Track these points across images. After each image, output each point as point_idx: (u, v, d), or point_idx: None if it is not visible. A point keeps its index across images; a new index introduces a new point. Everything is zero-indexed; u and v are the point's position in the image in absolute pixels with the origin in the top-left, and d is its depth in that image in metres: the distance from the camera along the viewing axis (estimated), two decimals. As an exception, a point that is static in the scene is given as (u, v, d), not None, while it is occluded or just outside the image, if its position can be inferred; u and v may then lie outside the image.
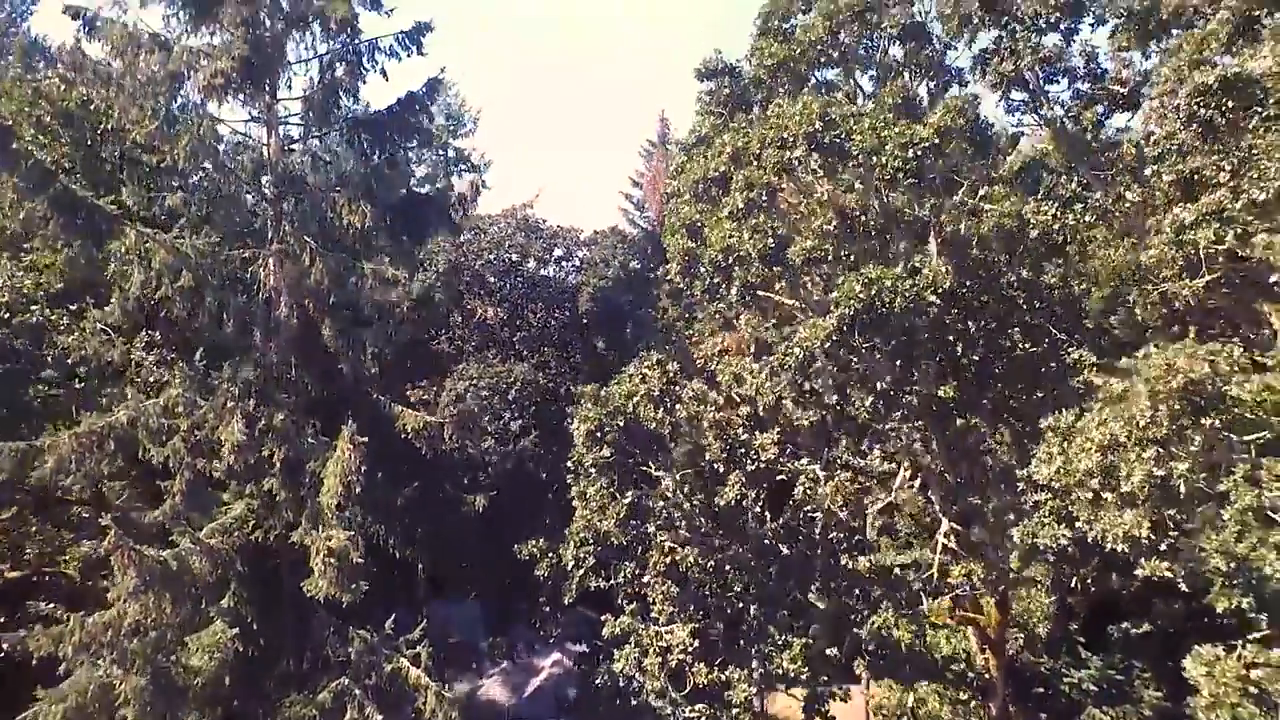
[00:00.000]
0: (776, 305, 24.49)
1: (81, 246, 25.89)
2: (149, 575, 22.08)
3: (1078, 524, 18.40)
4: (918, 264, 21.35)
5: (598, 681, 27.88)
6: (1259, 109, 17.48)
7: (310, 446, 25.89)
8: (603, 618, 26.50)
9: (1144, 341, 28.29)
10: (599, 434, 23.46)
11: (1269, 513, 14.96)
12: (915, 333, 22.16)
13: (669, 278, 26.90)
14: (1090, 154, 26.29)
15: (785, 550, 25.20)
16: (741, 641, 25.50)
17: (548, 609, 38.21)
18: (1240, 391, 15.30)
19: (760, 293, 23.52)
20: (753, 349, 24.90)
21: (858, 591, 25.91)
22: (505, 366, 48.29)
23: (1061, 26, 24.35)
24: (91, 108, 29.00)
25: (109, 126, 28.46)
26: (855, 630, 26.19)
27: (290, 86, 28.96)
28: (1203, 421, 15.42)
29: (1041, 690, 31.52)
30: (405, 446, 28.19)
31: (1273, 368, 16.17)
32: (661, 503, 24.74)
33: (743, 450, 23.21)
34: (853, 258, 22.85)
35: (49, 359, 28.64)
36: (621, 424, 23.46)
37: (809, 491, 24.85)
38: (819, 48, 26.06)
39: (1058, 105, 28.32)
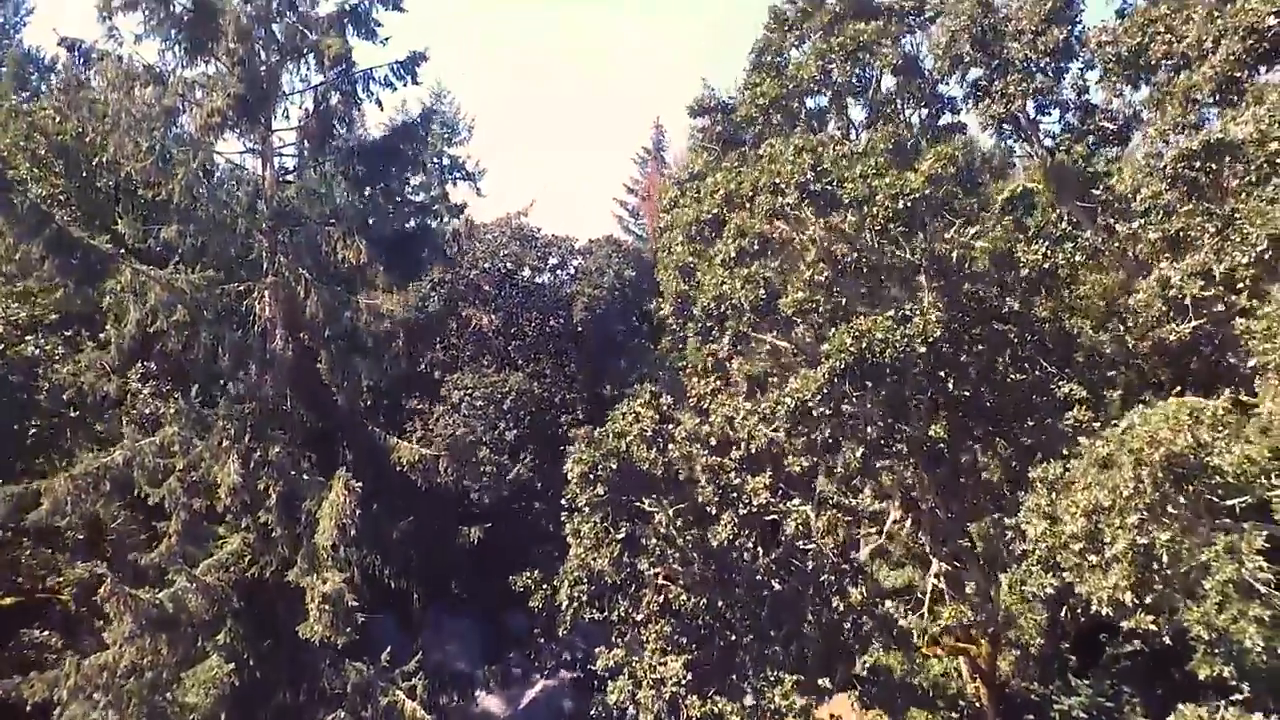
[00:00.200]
0: (769, 349, 24.66)
1: (78, 287, 26.00)
2: (145, 619, 22.29)
3: (1065, 574, 18.64)
4: (908, 311, 21.51)
5: (592, 713, 28.10)
6: (1241, 173, 17.68)
7: (305, 483, 26.08)
8: (596, 650, 26.69)
9: (1133, 372, 28.86)
10: (592, 475, 23.62)
11: (1250, 582, 15.19)
12: (906, 374, 22.34)
13: (661, 312, 27.14)
14: (1080, 187, 26.44)
15: (778, 585, 25.40)
16: (735, 676, 25.73)
17: (542, 640, 38.47)
18: (1221, 461, 15.52)
19: (754, 333, 23.71)
20: (745, 387, 25.07)
21: (849, 625, 26.12)
22: (500, 376, 48.42)
23: (1050, 70, 24.42)
24: (87, 140, 29.08)
25: (104, 160, 28.53)
26: (847, 663, 26.47)
27: (287, 116, 29.19)
28: (1185, 489, 15.68)
29: (1032, 718, 31.76)
30: (401, 477, 28.41)
31: (1258, 432, 16.34)
32: (655, 540, 24.92)
33: (735, 494, 23.41)
34: (845, 300, 23.02)
35: (44, 390, 28.76)
36: (615, 466, 23.60)
37: (801, 528, 25.05)
38: (811, 85, 26.18)
39: (1048, 138, 28.53)
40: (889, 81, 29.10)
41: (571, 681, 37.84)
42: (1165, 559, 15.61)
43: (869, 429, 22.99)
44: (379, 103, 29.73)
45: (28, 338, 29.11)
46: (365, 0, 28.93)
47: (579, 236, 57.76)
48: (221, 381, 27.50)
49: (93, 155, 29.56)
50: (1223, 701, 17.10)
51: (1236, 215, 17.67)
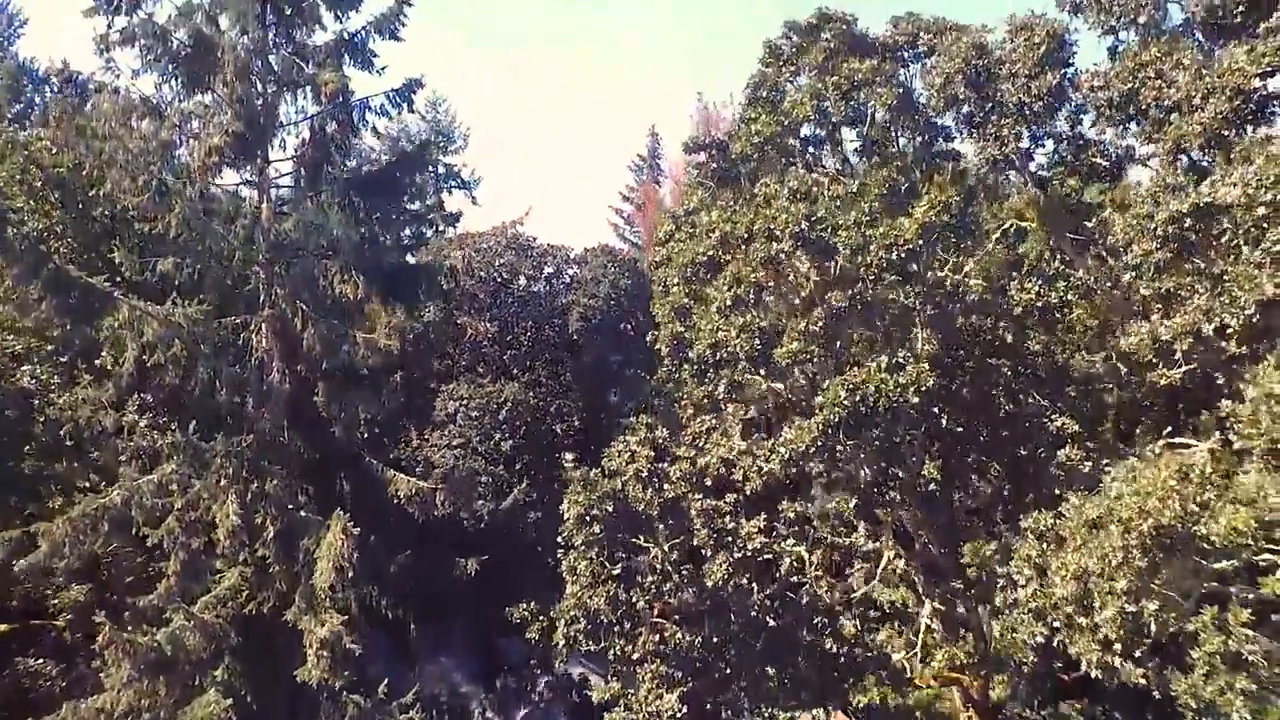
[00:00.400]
0: (764, 393, 24.84)
1: (75, 326, 26.07)
2: (143, 663, 22.44)
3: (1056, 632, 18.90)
4: (901, 359, 21.70)
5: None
6: (1229, 237, 17.83)
7: (303, 520, 26.21)
8: (593, 680, 27.00)
9: (1126, 400, 29.04)
10: (588, 517, 23.84)
11: (1238, 652, 15.43)
12: (899, 419, 22.53)
13: (656, 346, 27.33)
14: (1072, 221, 26.55)
15: (772, 621, 25.64)
16: (730, 710, 26.04)
17: (539, 671, 38.73)
18: (1208, 530, 15.75)
19: (749, 376, 23.88)
20: (740, 429, 25.26)
21: (843, 661, 26.39)
22: (496, 386, 48.44)
23: (1044, 112, 24.51)
24: (84, 172, 29.07)
25: (101, 192, 28.54)
26: (842, 695, 26.79)
27: (283, 146, 29.20)
28: (1173, 558, 15.93)
29: (1023, 744, 32.10)
30: (398, 509, 28.54)
31: (1245, 501, 16.52)
32: (650, 577, 25.14)
33: (730, 538, 23.65)
34: (839, 344, 23.21)
35: (41, 423, 28.84)
36: (610, 507, 23.82)
37: (795, 564, 25.31)
38: (806, 123, 26.34)
39: (1041, 170, 28.61)
40: (882, 114, 29.17)
41: (568, 709, 38.10)
42: (1154, 627, 15.83)
43: (863, 472, 23.24)
44: (376, 131, 29.94)
45: (24, 368, 29.15)
46: (362, 31, 29.00)
47: (578, 239, 58.54)
48: (219, 414, 27.58)
49: (90, 187, 29.56)
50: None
51: (1225, 277, 17.83)
